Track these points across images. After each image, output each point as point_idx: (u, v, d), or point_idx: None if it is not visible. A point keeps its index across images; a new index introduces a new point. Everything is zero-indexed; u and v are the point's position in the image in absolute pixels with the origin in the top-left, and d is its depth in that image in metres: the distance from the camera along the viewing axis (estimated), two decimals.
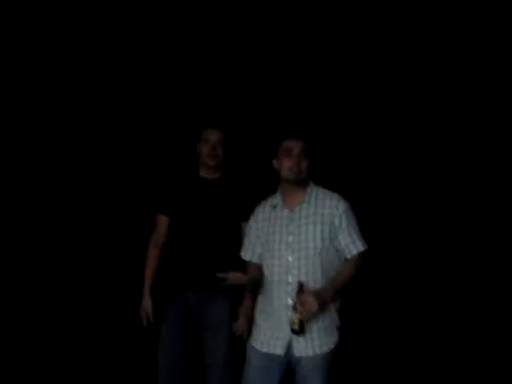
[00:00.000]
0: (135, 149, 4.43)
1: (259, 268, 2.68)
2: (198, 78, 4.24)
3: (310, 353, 2.51)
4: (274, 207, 2.64)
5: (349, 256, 2.55)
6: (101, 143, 4.41)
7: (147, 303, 3.03)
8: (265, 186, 2.85)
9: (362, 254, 2.55)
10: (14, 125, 4.28)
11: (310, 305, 2.35)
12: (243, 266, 2.77)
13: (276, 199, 2.67)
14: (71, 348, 4.05)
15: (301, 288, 2.42)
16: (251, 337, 2.69)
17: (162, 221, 3.08)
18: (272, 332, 2.57)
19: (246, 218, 2.90)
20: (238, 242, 2.94)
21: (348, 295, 2.65)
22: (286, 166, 2.55)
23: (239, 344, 2.93)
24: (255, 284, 2.75)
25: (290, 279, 2.51)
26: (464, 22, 3.88)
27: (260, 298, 2.70)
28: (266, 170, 2.70)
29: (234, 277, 2.61)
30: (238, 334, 2.99)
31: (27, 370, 3.76)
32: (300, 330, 2.42)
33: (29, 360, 3.86)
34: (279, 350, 2.53)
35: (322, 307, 2.42)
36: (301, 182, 2.58)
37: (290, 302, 2.49)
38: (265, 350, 2.57)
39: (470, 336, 3.97)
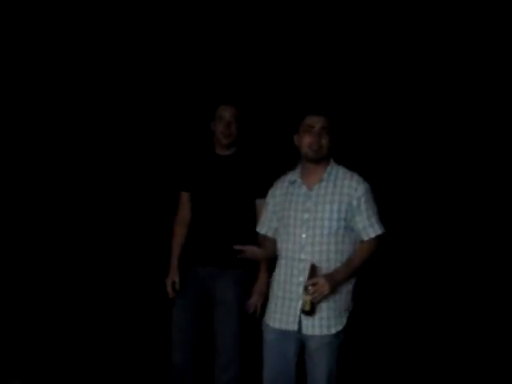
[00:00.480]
0: (150, 130, 4.47)
1: (274, 243, 2.67)
2: (211, 53, 4.25)
3: (317, 332, 2.49)
4: (293, 183, 2.62)
5: (366, 238, 2.52)
6: (119, 126, 4.47)
7: (174, 272, 3.05)
8: (280, 162, 2.85)
9: (378, 238, 2.52)
10: (14, 125, 4.32)
11: (321, 286, 2.35)
12: (257, 242, 2.75)
13: (295, 175, 2.63)
14: (74, 344, 4.08)
15: (313, 269, 2.42)
16: (265, 315, 2.67)
17: (185, 198, 3.10)
18: (283, 308, 2.56)
19: (261, 195, 2.89)
20: (251, 218, 2.94)
21: (361, 279, 2.63)
22: (306, 143, 2.51)
23: (253, 323, 2.91)
24: (270, 260, 2.75)
25: (302, 256, 2.50)
26: (464, 22, 3.87)
27: (274, 275, 2.69)
28: (282, 146, 2.70)
29: (251, 250, 2.60)
30: (250, 312, 2.97)
31: (29, 368, 3.77)
32: (311, 311, 2.41)
33: (31, 358, 3.87)
34: (291, 326, 2.52)
35: (334, 289, 2.41)
36: (321, 160, 2.55)
37: (301, 279, 2.48)
38: (277, 326, 2.56)
39: (470, 333, 3.97)
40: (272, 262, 2.73)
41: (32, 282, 4.32)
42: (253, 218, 2.95)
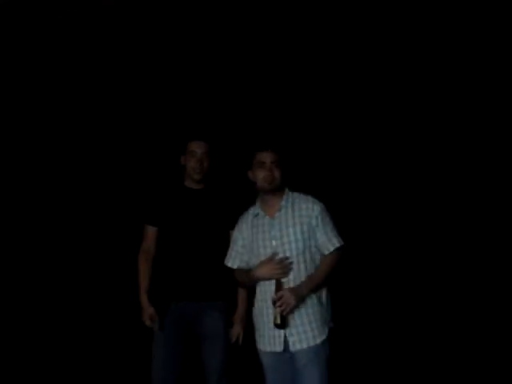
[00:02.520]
0: (120, 161, 4.47)
1: (248, 272, 2.79)
2: (182, 90, 4.29)
3: (305, 345, 2.64)
4: (256, 216, 2.80)
5: (326, 252, 2.71)
6: (90, 156, 4.46)
7: (150, 310, 3.02)
8: (249, 194, 2.91)
9: (338, 250, 2.72)
10: (13, 125, 4.31)
11: (287, 299, 2.56)
12: (232, 273, 2.88)
13: (256, 209, 2.81)
14: (71, 348, 4.11)
15: (279, 285, 2.62)
16: (256, 340, 2.79)
17: (150, 231, 3.11)
18: (269, 331, 2.70)
19: (234, 226, 2.95)
20: (226, 249, 2.97)
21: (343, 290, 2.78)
22: (260, 177, 2.72)
23: (237, 351, 3.01)
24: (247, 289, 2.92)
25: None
26: (464, 22, 3.88)
27: (254, 302, 2.82)
28: (246, 180, 2.80)
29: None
30: (233, 341, 3.03)
31: (27, 370, 3.81)
32: (282, 323, 2.59)
33: (28, 360, 3.91)
34: (278, 348, 2.67)
35: (300, 301, 2.61)
36: (276, 190, 2.75)
37: (273, 295, 2.64)
38: (268, 349, 2.71)
39: (465, 335, 4.01)
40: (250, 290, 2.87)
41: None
42: (226, 250, 2.98)
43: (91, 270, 4.40)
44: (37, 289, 4.34)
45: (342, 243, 2.73)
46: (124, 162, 4.47)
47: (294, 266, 2.66)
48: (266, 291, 2.70)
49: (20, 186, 4.36)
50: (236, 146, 3.48)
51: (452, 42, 3.99)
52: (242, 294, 3.02)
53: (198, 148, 3.01)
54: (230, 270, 2.87)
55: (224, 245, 2.99)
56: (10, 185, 4.32)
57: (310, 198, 2.77)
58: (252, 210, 2.83)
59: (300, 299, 2.61)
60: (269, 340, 2.69)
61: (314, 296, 2.67)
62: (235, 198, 3.07)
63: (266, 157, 2.71)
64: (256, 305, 2.79)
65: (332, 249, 2.70)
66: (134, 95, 4.36)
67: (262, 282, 2.71)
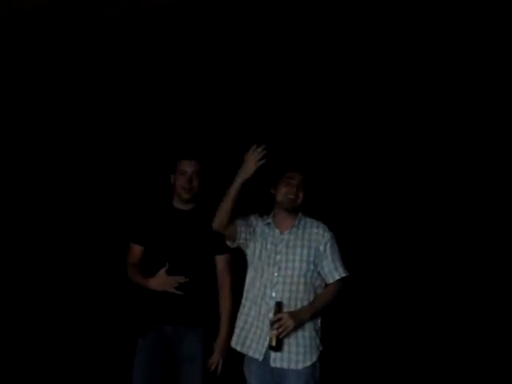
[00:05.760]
0: (109, 178, 4.41)
1: (234, 224, 2.75)
2: (173, 108, 4.25)
3: (285, 365, 2.64)
4: (267, 225, 2.81)
5: (330, 281, 2.73)
6: (77, 171, 4.41)
7: (161, 277, 2.91)
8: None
9: (342, 280, 2.73)
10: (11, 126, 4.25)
11: (285, 322, 2.57)
12: (217, 298, 2.91)
13: (269, 219, 2.83)
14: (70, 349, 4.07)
15: (279, 307, 2.62)
16: (234, 340, 2.78)
17: (136, 250, 3.05)
18: (254, 336, 2.70)
19: (221, 251, 2.94)
20: (211, 273, 2.94)
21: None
22: (283, 192, 2.75)
23: (214, 378, 2.94)
24: (231, 320, 2.90)
25: (273, 294, 2.69)
26: (464, 22, 3.84)
27: (241, 310, 2.79)
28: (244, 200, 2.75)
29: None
30: (212, 369, 2.94)
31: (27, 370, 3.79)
32: (277, 346, 2.59)
33: (28, 360, 3.89)
34: (257, 355, 2.67)
35: (298, 326, 2.62)
36: (292, 210, 2.77)
37: (271, 315, 2.64)
38: (245, 351, 2.72)
39: (464, 339, 3.97)
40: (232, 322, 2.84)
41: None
42: (213, 274, 2.94)
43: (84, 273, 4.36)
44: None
45: (348, 274, 2.74)
46: (115, 179, 4.41)
47: (293, 287, 2.67)
48: (262, 303, 2.69)
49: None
50: (228, 166, 3.45)
51: (452, 42, 3.94)
52: (224, 318, 2.95)
53: (187, 167, 2.95)
54: (214, 294, 2.88)
55: (208, 269, 2.95)
56: None
57: (321, 224, 2.80)
58: (265, 219, 2.84)
59: (299, 324, 2.62)
60: (250, 344, 2.70)
61: (310, 322, 2.67)
62: None
63: (295, 176, 2.76)
64: (242, 316, 2.76)
65: (337, 278, 2.72)
66: (124, 113, 4.31)
67: (260, 292, 2.70)
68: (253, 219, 2.83)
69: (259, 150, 2.63)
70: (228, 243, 2.82)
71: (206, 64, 4.13)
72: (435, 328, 4.09)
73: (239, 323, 2.78)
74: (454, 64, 4.01)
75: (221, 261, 2.97)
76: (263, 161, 2.62)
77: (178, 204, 3.01)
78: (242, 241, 2.78)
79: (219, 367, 2.94)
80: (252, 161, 2.64)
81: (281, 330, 2.56)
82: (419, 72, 4.08)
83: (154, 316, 2.95)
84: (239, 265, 2.94)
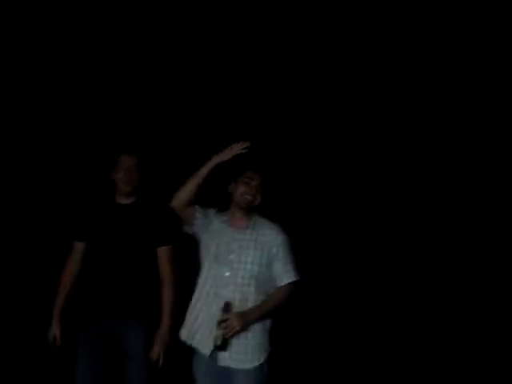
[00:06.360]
0: (53, 176, 4.38)
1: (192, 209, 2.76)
2: (114, 102, 4.25)
3: (233, 364, 2.66)
4: (223, 222, 2.80)
5: (281, 283, 2.74)
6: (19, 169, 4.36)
7: (56, 327, 3.00)
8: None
9: (293, 284, 2.75)
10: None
11: (232, 323, 2.57)
12: (159, 292, 2.91)
13: (226, 216, 2.82)
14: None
15: (227, 307, 2.62)
16: (185, 334, 2.77)
17: (77, 246, 3.06)
18: (205, 331, 2.69)
19: (162, 243, 2.97)
20: (152, 267, 2.96)
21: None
22: (239, 192, 2.74)
23: (158, 370, 2.96)
24: (172, 312, 2.92)
25: (224, 293, 2.68)
26: (464, 22, 3.88)
27: (193, 311, 2.77)
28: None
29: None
30: (154, 361, 2.95)
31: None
32: (222, 345, 2.60)
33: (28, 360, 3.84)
34: (205, 350, 2.67)
35: (245, 327, 2.63)
36: (248, 211, 2.77)
37: (219, 315, 2.63)
38: (194, 344, 2.71)
39: (463, 341, 4.02)
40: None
41: None
42: (154, 267, 2.96)
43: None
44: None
45: (298, 278, 2.75)
46: (58, 177, 4.38)
47: (245, 288, 2.67)
48: (212, 302, 2.68)
49: None
50: (172, 160, 3.48)
51: (452, 42, 3.98)
52: (165, 310, 2.96)
53: (126, 161, 2.98)
54: (156, 287, 2.90)
55: (150, 262, 2.97)
56: None
57: (275, 226, 2.80)
58: (222, 215, 2.82)
59: (246, 325, 2.62)
60: (200, 338, 2.69)
61: (259, 323, 2.69)
62: (166, 214, 3.00)
63: (255, 177, 2.75)
64: (198, 305, 2.74)
65: (287, 281, 2.73)
66: (66, 110, 4.29)
67: (211, 291, 2.70)
68: (211, 212, 2.83)
69: (246, 144, 2.73)
70: (185, 228, 2.82)
71: (147, 60, 4.15)
72: (409, 324, 4.19)
73: (190, 317, 2.77)
74: (453, 64, 4.06)
75: (163, 253, 2.99)
76: (244, 151, 2.71)
77: (119, 199, 3.03)
78: (198, 228, 2.78)
79: (160, 359, 2.94)
80: (235, 148, 2.73)
81: (227, 330, 2.57)
82: (406, 69, 4.13)
83: (96, 309, 2.96)
84: (191, 259, 2.91)
